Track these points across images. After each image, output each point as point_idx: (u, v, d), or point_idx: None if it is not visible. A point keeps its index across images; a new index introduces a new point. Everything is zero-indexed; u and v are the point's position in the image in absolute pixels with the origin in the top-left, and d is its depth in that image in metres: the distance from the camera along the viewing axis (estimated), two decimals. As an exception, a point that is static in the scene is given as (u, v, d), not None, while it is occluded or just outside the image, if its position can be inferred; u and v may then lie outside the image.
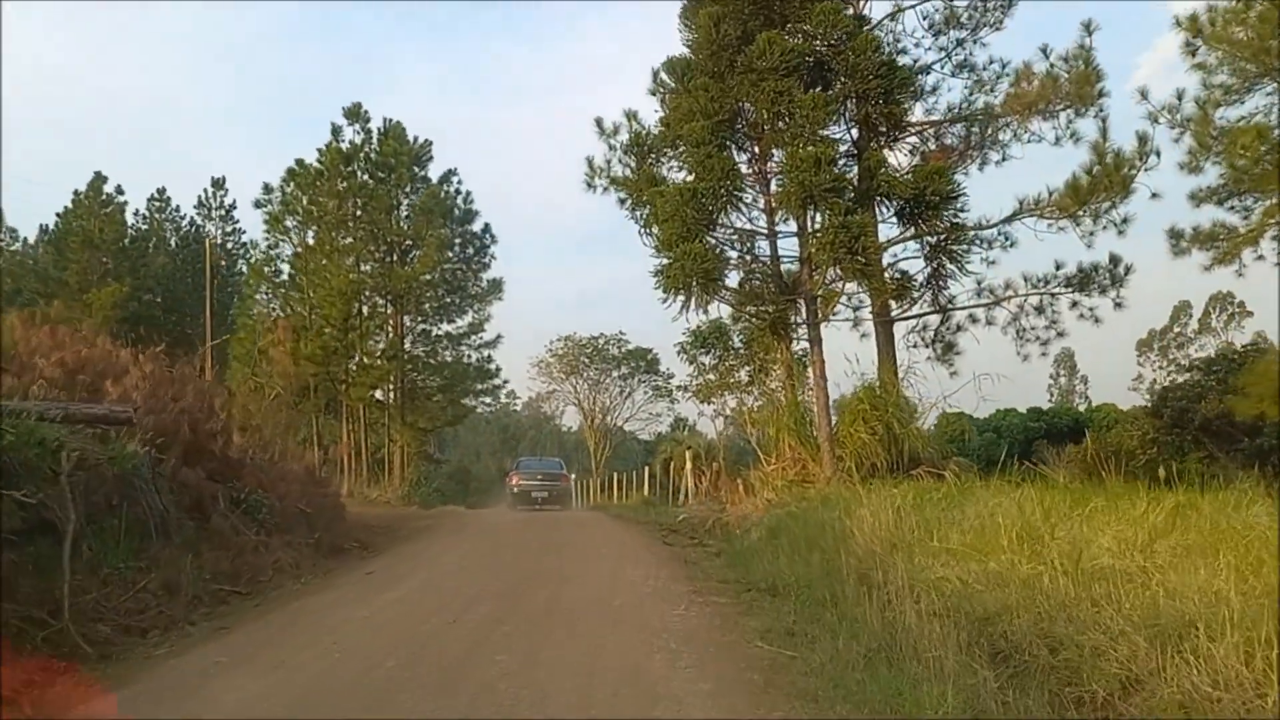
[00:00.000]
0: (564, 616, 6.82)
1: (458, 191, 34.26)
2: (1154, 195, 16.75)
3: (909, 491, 10.91)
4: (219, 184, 49.39)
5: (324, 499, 16.86)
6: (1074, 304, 19.02)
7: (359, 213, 32.17)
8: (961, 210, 15.10)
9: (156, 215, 49.79)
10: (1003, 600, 6.17)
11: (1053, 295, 19.06)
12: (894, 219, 15.78)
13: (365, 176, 32.48)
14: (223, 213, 48.68)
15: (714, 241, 16.06)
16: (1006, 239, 18.31)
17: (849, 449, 16.96)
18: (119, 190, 45.24)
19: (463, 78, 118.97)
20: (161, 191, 49.83)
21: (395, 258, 32.96)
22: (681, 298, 15.89)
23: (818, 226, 15.06)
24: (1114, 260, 18.51)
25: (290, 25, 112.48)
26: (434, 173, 33.83)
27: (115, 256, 43.47)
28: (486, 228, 34.18)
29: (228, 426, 14.07)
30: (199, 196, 49.05)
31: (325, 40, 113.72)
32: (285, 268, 32.09)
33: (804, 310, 16.30)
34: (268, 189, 31.79)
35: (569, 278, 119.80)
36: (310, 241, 31.54)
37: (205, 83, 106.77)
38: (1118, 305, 18.77)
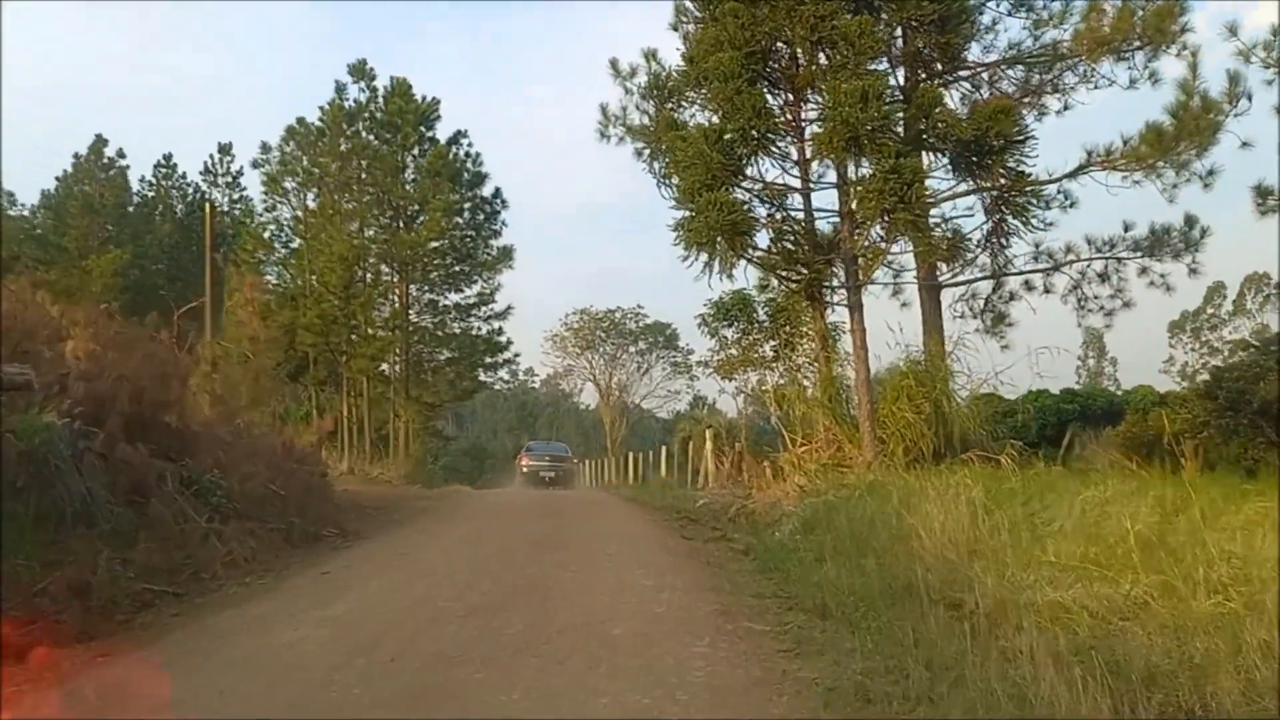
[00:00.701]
0: (545, 655, 4.99)
1: (467, 155, 32.44)
2: (1244, 145, 14.73)
3: (972, 481, 9.04)
4: (225, 150, 47.69)
5: (306, 479, 15.23)
6: (1143, 270, 17.06)
7: (363, 175, 30.36)
8: (1029, 155, 13.10)
9: (163, 182, 48.22)
10: (1168, 647, 4.31)
11: (1119, 260, 17.09)
12: (946, 169, 13.79)
13: (370, 136, 30.65)
14: (229, 179, 47.02)
15: (742, 195, 14.16)
16: (1067, 198, 16.29)
17: (890, 430, 15.13)
18: (120, 154, 43.65)
19: (477, 52, 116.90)
20: (168, 158, 48.22)
21: (401, 223, 31.18)
22: (704, 256, 14.01)
23: (862, 174, 13.15)
24: (1189, 221, 16.55)
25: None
26: (442, 134, 32.01)
27: (117, 223, 41.94)
28: (497, 192, 32.35)
29: (185, 397, 12.35)
30: (205, 163, 47.43)
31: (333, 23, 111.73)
32: (285, 232, 30.42)
33: (843, 273, 14.37)
34: (265, 148, 30.05)
35: (585, 257, 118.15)
36: (311, 204, 29.77)
37: (213, 51, 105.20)
38: (1193, 271, 16.81)
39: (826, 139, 12.51)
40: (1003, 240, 14.31)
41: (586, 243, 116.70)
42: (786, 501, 14.08)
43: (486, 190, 32.20)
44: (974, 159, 12.88)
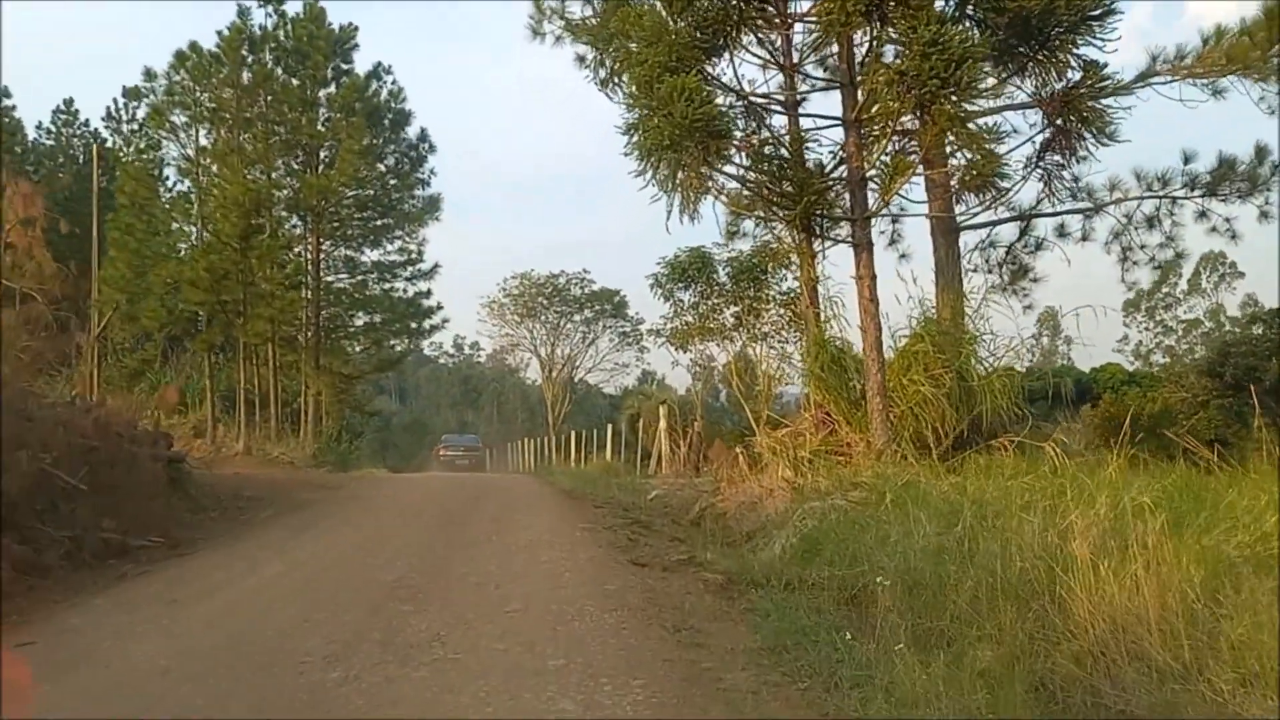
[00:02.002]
0: None
1: (391, 94, 28.37)
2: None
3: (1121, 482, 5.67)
4: (132, 94, 42.79)
5: (147, 466, 11.58)
6: (1202, 214, 13.81)
7: (267, 110, 26.22)
8: (1109, 38, 9.60)
9: (63, 130, 43.33)
10: None
11: (1173, 201, 13.80)
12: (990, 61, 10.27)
13: (276, 67, 26.50)
14: (134, 126, 42.20)
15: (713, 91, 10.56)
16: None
17: (901, 408, 11.80)
18: (6, 93, 38.87)
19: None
20: (69, 104, 43.28)
21: (311, 167, 27.16)
22: (661, 175, 10.44)
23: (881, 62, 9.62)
24: (1260, 153, 13.32)
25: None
26: (361, 67, 27.89)
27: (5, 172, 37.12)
28: (424, 135, 28.32)
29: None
30: (107, 109, 42.50)
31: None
32: (175, 174, 26.26)
33: (848, 200, 10.88)
34: (150, 75, 25.72)
35: (535, 225, 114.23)
36: (204, 142, 25.58)
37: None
38: (1264, 215, 13.59)
39: (838, 5, 8.94)
40: (1063, 157, 10.82)
41: (538, 211, 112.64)
42: (770, 501, 10.65)
43: (412, 131, 28.22)
44: (1036, 40, 9.38)
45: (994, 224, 13.62)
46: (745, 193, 12.03)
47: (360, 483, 19.07)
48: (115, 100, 40.42)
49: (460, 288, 70.31)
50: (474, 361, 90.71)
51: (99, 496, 9.58)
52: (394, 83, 28.04)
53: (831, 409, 11.90)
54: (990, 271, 14.64)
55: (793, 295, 25.84)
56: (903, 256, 15.21)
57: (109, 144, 41.45)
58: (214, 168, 25.45)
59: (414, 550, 8.61)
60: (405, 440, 68.54)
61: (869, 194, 10.45)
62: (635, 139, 9.85)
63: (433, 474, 27.91)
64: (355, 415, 40.16)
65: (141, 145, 25.71)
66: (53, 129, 43.39)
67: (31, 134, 42.67)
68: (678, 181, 10.76)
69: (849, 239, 10.67)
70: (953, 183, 11.89)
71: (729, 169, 10.99)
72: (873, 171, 10.38)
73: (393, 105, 27.84)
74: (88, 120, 42.93)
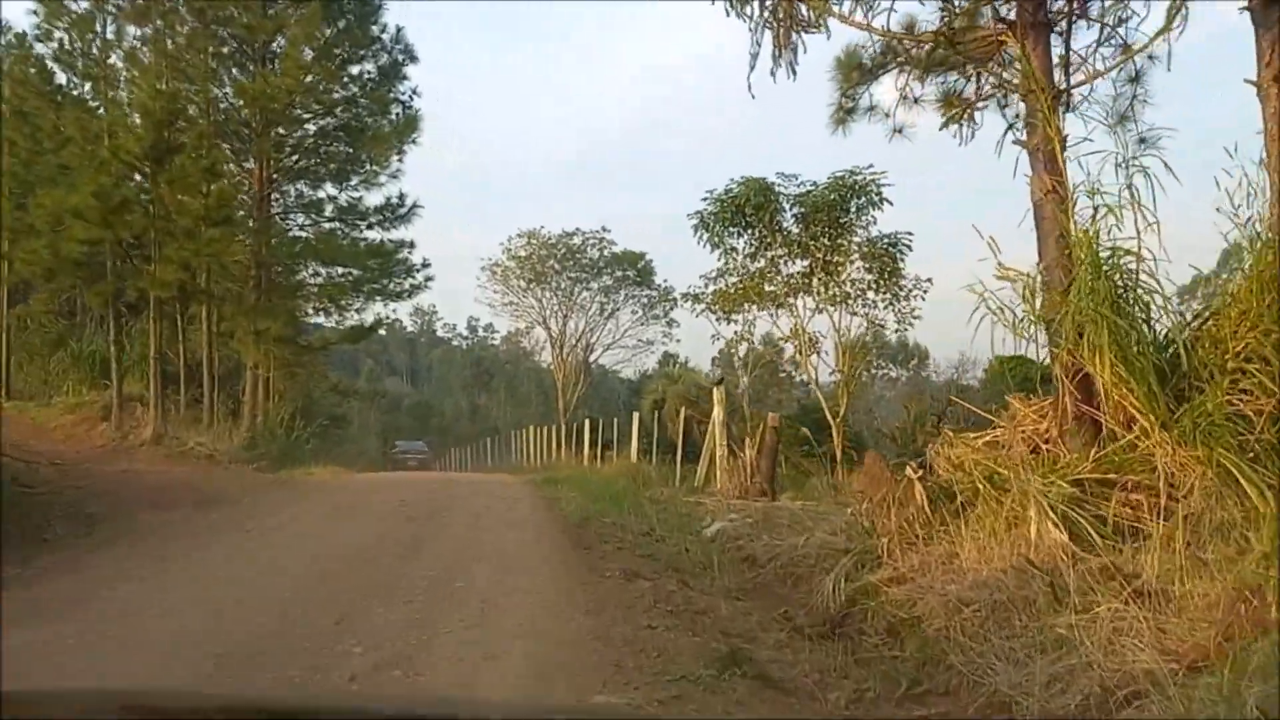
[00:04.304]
0: None
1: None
2: None
3: None
4: None
5: None
6: None
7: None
8: None
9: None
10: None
11: None
12: None
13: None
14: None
15: None
16: None
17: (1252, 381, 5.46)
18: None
19: None
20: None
21: (250, 68, 20.98)
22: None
23: None
24: None
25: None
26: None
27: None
28: (398, 35, 21.98)
29: None
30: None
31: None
32: (71, 74, 20.04)
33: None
34: (39, -55, 19.50)
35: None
36: (109, 35, 19.41)
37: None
38: None
39: None
40: None
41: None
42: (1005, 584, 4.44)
43: (385, 29, 21.85)
44: None
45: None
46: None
47: (269, 494, 13.02)
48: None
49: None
50: (488, 343, 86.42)
51: None
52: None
53: (1121, 390, 5.71)
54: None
55: (886, 242, 19.54)
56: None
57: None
58: (123, 69, 19.35)
59: None
60: (408, 423, 63.10)
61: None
62: None
63: (385, 476, 21.89)
64: (330, 396, 34.20)
65: (28, 37, 19.66)
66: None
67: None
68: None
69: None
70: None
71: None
72: None
73: None
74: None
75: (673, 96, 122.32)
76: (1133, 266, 6.03)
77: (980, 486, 6.04)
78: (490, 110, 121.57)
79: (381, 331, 35.91)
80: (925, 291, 18.25)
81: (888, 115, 9.89)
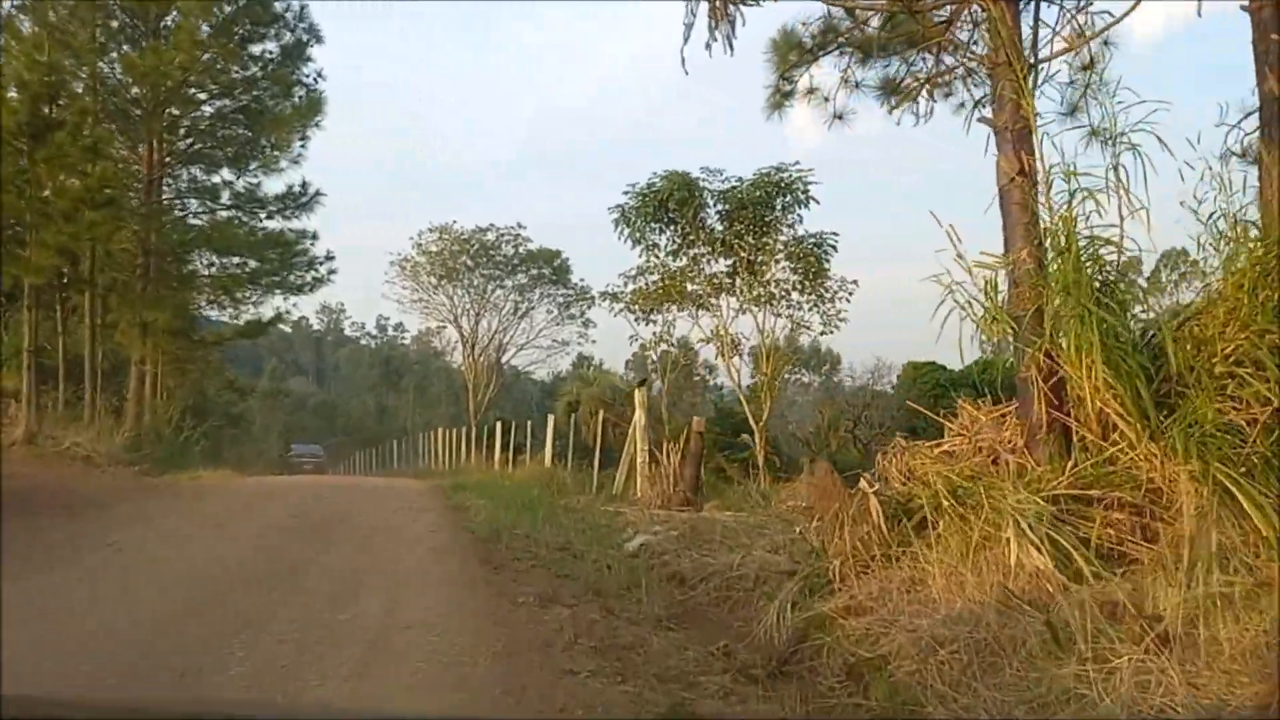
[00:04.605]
0: None
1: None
2: None
3: None
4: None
5: None
6: None
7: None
8: None
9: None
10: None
11: None
12: None
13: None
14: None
15: None
16: None
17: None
18: None
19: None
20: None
21: (143, 46, 19.55)
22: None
23: None
24: None
25: None
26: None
27: None
28: (302, 14, 20.71)
29: None
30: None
31: None
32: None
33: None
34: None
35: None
36: None
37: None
38: None
39: None
40: None
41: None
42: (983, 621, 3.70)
43: (289, 7, 20.57)
44: None
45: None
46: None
47: (146, 501, 11.84)
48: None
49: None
50: (398, 343, 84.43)
51: None
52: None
53: (1108, 397, 5.07)
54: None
55: (812, 242, 19.00)
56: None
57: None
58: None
59: None
60: (313, 422, 61.37)
61: None
62: None
63: (280, 481, 20.71)
64: (227, 394, 32.53)
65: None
66: None
67: None
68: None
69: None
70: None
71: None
72: None
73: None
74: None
75: (607, 96, 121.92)
76: (1112, 257, 5.43)
77: (943, 501, 5.36)
78: (432, 105, 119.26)
79: (285, 328, 34.42)
80: (850, 294, 17.83)
81: (827, 99, 9.25)
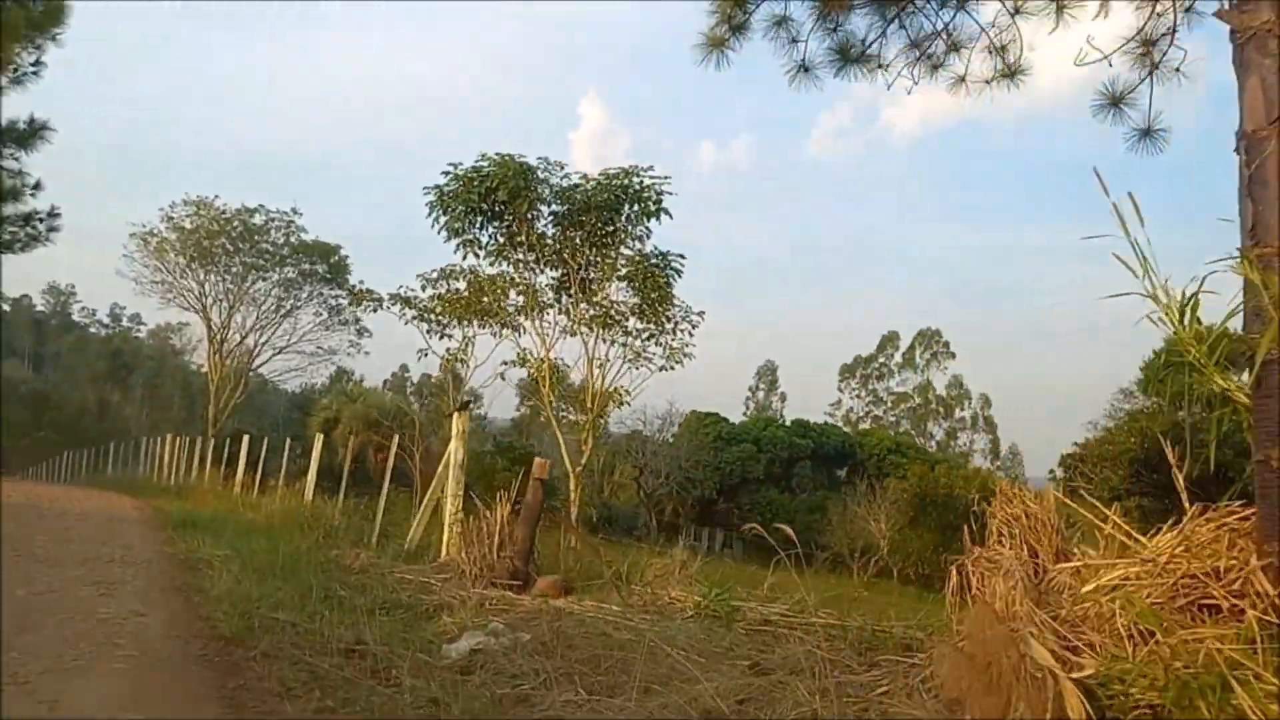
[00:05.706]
0: None
1: None
2: None
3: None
4: None
5: None
6: None
7: None
8: None
9: None
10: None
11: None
12: None
13: None
14: None
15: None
16: None
17: None
18: None
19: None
20: None
21: None
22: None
23: None
24: None
25: None
26: None
27: None
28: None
29: None
30: None
31: None
32: None
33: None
34: None
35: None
36: None
37: None
38: None
39: None
40: None
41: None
42: None
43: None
44: None
45: None
46: None
47: None
48: None
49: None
50: (132, 334, 79.32)
51: None
52: None
53: None
54: None
55: (655, 263, 16.30)
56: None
57: None
58: None
59: None
60: (20, 415, 54.15)
61: None
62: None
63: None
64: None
65: None
66: None
67: None
68: None
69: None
70: None
71: None
72: None
73: None
74: None
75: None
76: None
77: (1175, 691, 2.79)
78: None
79: (4, 305, 28.48)
80: (695, 325, 15.31)
81: (795, 41, 6.71)
